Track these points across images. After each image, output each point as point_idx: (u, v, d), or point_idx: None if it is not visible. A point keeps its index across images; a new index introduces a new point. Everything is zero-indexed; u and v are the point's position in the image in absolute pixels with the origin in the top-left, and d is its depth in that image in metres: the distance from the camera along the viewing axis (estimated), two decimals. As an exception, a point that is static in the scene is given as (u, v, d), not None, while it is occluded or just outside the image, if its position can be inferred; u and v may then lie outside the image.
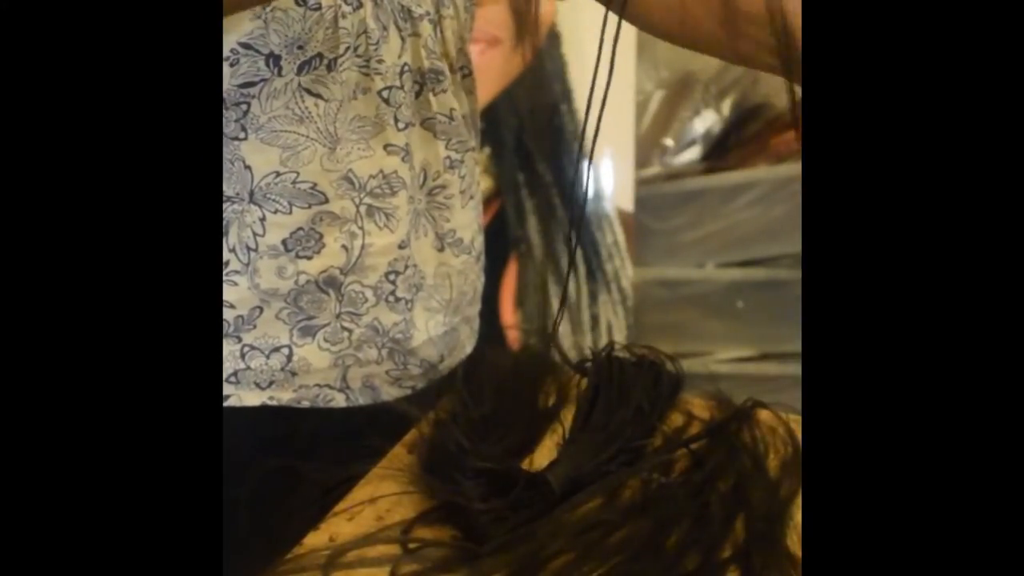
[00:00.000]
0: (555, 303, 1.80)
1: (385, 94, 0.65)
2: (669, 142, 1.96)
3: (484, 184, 1.78)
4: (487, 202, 1.79)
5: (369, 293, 0.67)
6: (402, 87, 0.66)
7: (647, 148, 1.95)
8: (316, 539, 0.55)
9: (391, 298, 0.68)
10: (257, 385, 0.66)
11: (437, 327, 0.72)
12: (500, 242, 1.83)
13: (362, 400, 0.70)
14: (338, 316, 0.67)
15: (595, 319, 1.87)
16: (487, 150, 1.78)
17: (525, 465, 0.61)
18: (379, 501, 0.58)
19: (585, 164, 1.86)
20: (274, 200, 0.63)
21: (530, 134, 1.80)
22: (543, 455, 0.63)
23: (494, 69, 1.70)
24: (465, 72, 0.73)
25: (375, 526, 0.55)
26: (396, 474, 0.60)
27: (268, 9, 0.59)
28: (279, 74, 0.61)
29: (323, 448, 0.68)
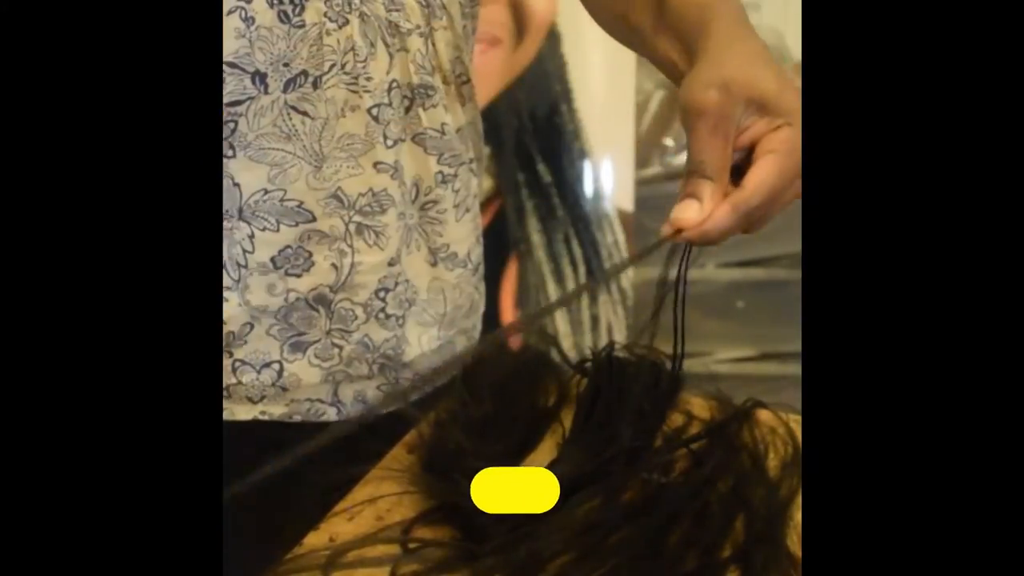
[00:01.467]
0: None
1: (374, 111, 0.64)
2: (669, 142, 1.96)
3: (484, 184, 1.78)
4: (487, 202, 1.79)
5: (359, 310, 0.67)
6: (390, 104, 0.65)
7: (647, 148, 1.95)
8: (316, 539, 0.55)
9: (381, 315, 0.68)
10: (249, 399, 0.67)
11: (431, 341, 0.72)
12: (500, 242, 1.83)
13: (353, 414, 0.70)
14: (328, 333, 0.67)
15: (595, 319, 1.87)
16: (487, 150, 1.78)
17: (525, 465, 0.61)
18: (379, 501, 0.58)
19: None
20: (262, 218, 0.63)
21: (530, 134, 1.80)
22: (543, 455, 0.63)
23: (494, 69, 1.70)
24: (463, 80, 0.72)
25: (375, 526, 0.55)
26: (396, 474, 0.60)
27: (253, 27, 0.59)
28: (265, 92, 0.61)
29: (321, 452, 0.68)
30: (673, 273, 0.56)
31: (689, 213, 0.53)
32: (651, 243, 0.55)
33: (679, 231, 0.54)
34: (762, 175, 0.53)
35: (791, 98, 0.54)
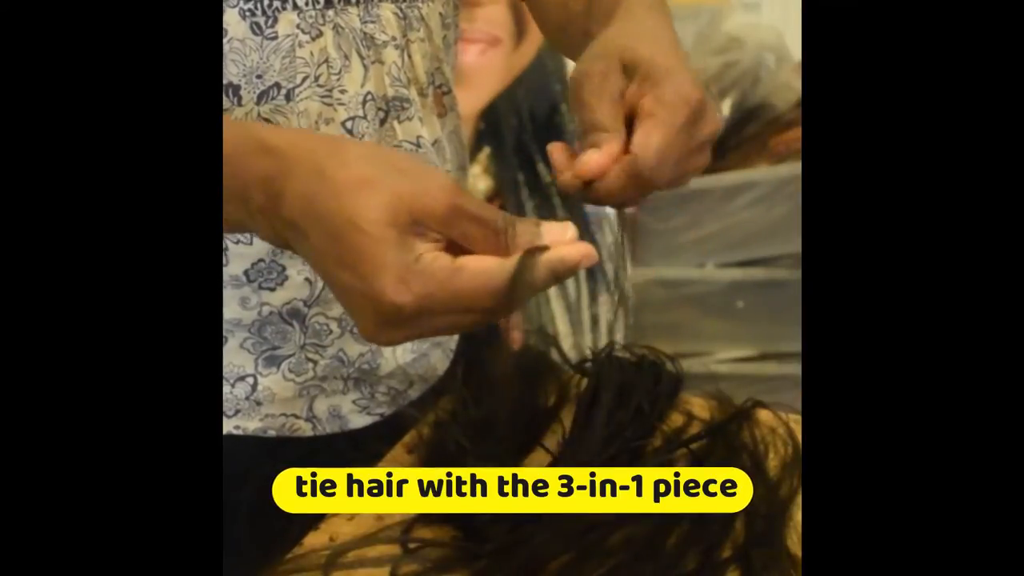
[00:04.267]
0: (555, 303, 1.80)
1: (348, 124, 0.63)
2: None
3: (484, 184, 1.78)
4: (487, 202, 1.79)
5: (334, 325, 0.67)
6: (365, 116, 0.64)
7: (647, 148, 1.94)
8: (316, 539, 0.55)
9: (356, 329, 0.68)
10: (223, 414, 0.67)
11: (405, 355, 0.71)
12: (500, 242, 1.82)
13: (329, 429, 0.70)
14: (303, 347, 0.67)
15: (595, 319, 1.87)
16: (487, 150, 1.78)
17: (525, 465, 0.61)
18: (379, 501, 0.58)
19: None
20: None
21: (530, 134, 1.80)
22: (543, 455, 0.63)
23: (494, 69, 1.69)
24: (444, 90, 0.71)
25: (375, 526, 0.55)
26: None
27: (226, 39, 0.58)
28: (239, 104, 0.60)
29: (321, 453, 0.68)
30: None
31: (594, 159, 0.52)
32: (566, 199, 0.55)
33: (586, 182, 0.53)
34: (644, 138, 0.53)
35: (665, 59, 0.55)
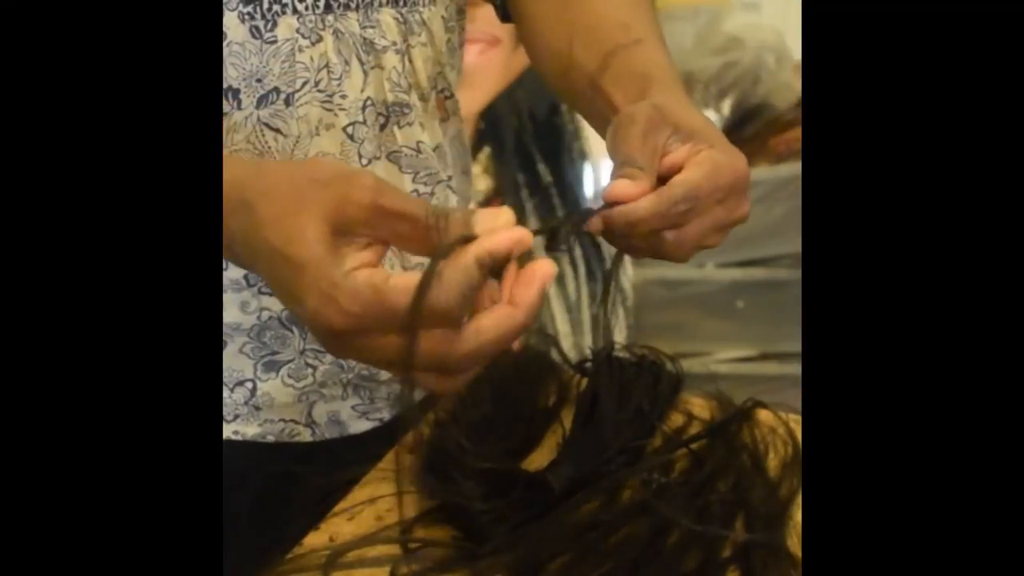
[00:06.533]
0: (556, 303, 1.80)
1: (349, 130, 0.63)
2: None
3: (484, 184, 1.78)
4: (487, 202, 1.79)
5: None
6: (364, 122, 0.64)
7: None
8: (316, 539, 0.55)
9: None
10: (222, 418, 0.66)
11: None
12: (500, 242, 1.82)
13: (328, 435, 0.69)
14: (302, 353, 0.66)
15: (595, 319, 1.87)
16: (487, 150, 1.78)
17: (525, 465, 0.61)
18: (379, 501, 0.58)
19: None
20: None
21: (530, 134, 1.80)
22: (543, 455, 0.63)
23: (494, 69, 1.69)
24: (446, 95, 0.71)
25: (375, 526, 0.55)
26: (396, 475, 0.60)
27: (225, 43, 0.58)
28: (239, 107, 0.60)
29: (321, 453, 0.68)
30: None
31: (623, 186, 0.53)
32: (578, 216, 0.56)
33: (613, 204, 0.54)
34: (687, 176, 0.54)
35: (715, 133, 0.56)
